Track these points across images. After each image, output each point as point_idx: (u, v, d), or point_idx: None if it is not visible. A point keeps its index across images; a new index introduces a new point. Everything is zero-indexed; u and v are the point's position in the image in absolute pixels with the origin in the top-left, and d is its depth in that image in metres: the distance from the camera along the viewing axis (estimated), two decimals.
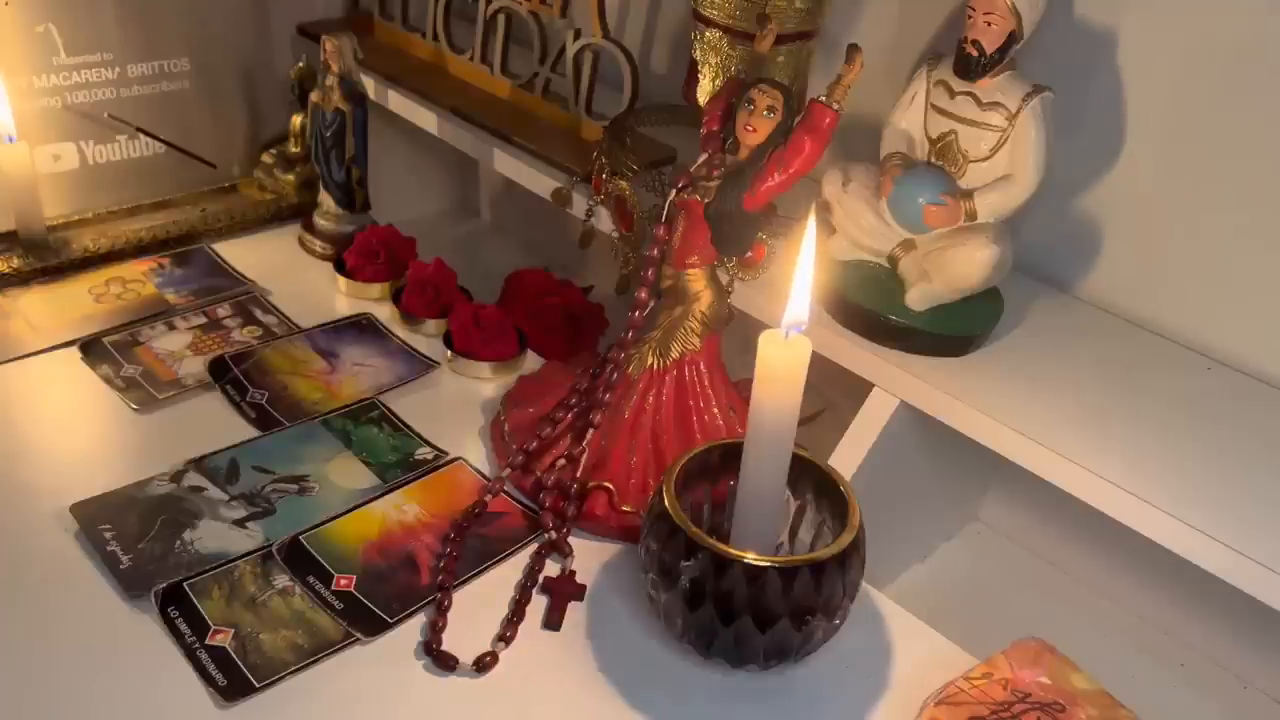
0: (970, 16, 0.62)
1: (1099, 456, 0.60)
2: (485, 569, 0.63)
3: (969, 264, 0.65)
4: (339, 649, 0.57)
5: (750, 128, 0.62)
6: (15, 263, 0.84)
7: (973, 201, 0.66)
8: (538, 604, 0.62)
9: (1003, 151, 0.65)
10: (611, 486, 0.66)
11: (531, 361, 0.83)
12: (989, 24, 0.62)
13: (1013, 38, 0.62)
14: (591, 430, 0.68)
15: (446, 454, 0.72)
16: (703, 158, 0.64)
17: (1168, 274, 0.71)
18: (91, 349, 0.78)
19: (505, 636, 0.59)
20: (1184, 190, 0.68)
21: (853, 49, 0.59)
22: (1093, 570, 0.77)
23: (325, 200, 0.91)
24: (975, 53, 0.63)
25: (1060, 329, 0.72)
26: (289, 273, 0.90)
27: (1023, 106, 0.64)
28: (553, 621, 0.61)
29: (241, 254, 0.91)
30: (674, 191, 0.64)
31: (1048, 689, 0.55)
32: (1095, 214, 0.73)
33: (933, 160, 0.68)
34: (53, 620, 0.58)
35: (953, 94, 0.66)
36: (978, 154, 0.66)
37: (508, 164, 0.87)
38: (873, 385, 0.69)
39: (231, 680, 0.55)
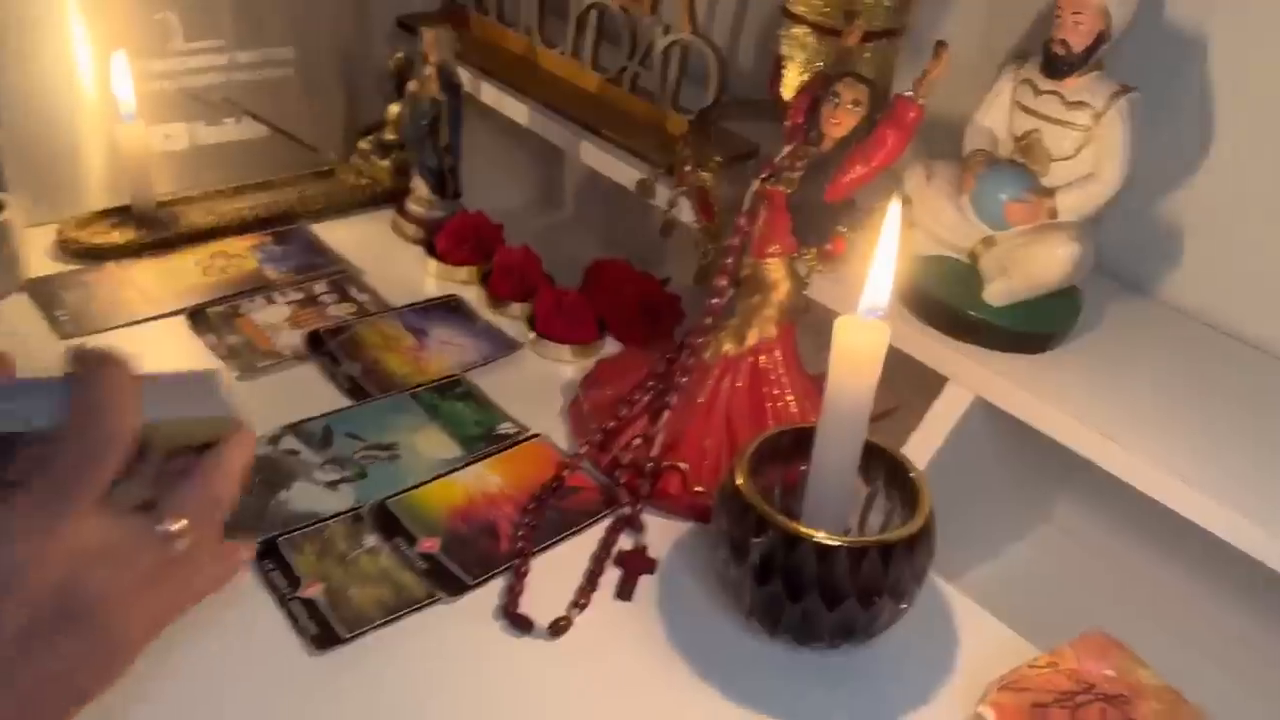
0: (1059, 15, 0.63)
1: (1177, 459, 0.60)
2: (561, 539, 0.66)
3: (1049, 261, 0.66)
4: (422, 607, 0.60)
5: (835, 121, 0.63)
6: (129, 235, 0.89)
7: (1055, 200, 0.66)
8: (610, 576, 0.64)
9: (1087, 150, 0.65)
10: (685, 466, 0.68)
11: (610, 346, 0.85)
12: (1077, 23, 0.62)
13: (1101, 38, 0.63)
14: (667, 412, 0.70)
15: (527, 430, 0.74)
16: (786, 149, 0.66)
17: (1250, 279, 0.70)
18: (197, 318, 0.82)
19: (579, 604, 0.61)
20: (1268, 195, 0.68)
21: (940, 45, 0.60)
22: (1166, 575, 0.76)
23: (418, 186, 0.95)
24: (1062, 52, 0.64)
25: (1139, 330, 0.71)
26: (382, 254, 0.93)
27: (1109, 106, 0.64)
28: (624, 593, 0.63)
29: (338, 235, 0.95)
30: (757, 181, 0.66)
31: (1113, 681, 0.55)
32: (1178, 217, 0.72)
33: (1016, 158, 0.69)
34: None
35: (1038, 92, 0.66)
36: (1061, 153, 0.66)
37: (594, 155, 0.89)
38: (946, 381, 0.69)
39: (322, 630, 0.58)
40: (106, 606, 0.38)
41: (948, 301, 0.69)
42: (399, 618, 0.59)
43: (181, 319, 0.82)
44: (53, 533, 0.37)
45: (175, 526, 0.40)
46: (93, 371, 0.39)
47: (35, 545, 0.37)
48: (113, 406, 0.39)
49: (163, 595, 0.40)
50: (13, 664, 0.36)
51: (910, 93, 0.62)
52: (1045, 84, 0.66)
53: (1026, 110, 0.67)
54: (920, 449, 0.69)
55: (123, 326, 0.80)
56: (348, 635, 0.58)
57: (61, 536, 0.37)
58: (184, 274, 0.87)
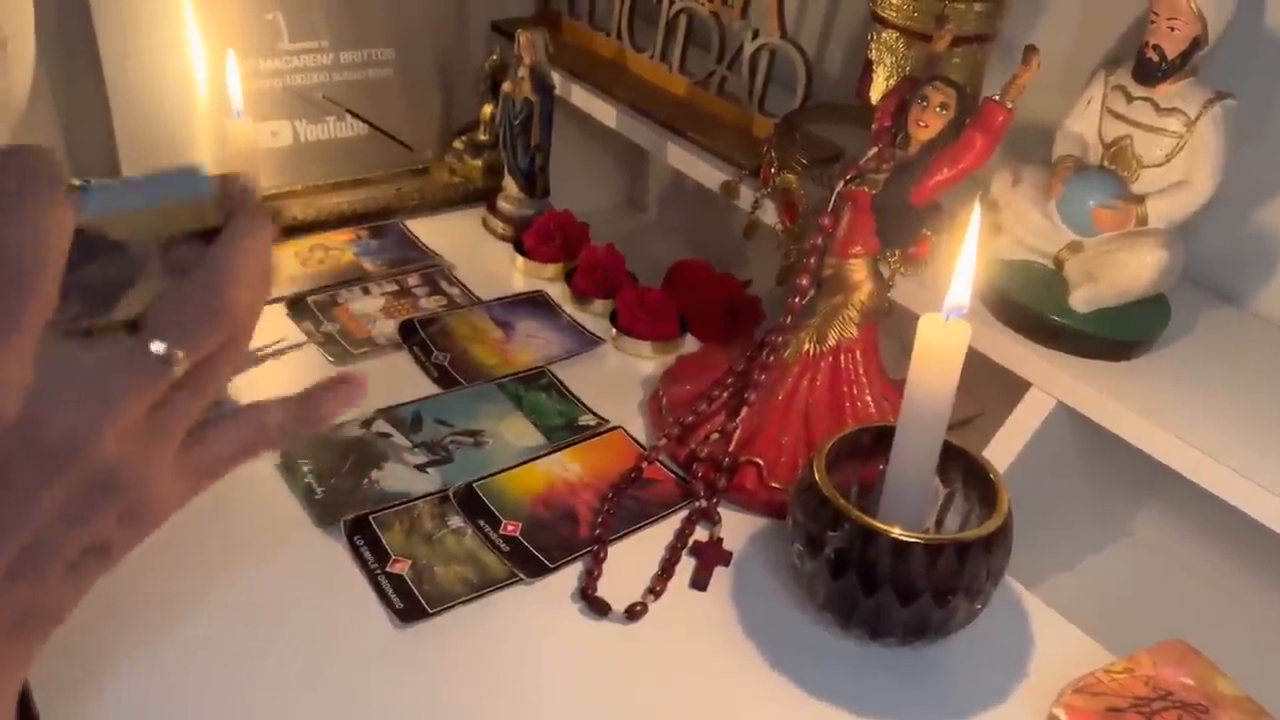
0: (1153, 21, 0.63)
1: (1268, 471, 0.59)
2: (639, 528, 0.67)
3: (1138, 267, 0.65)
4: (503, 586, 0.62)
5: (922, 123, 0.64)
6: None
7: (1144, 206, 0.66)
8: (686, 565, 0.65)
9: (1179, 158, 0.65)
10: (761, 462, 0.69)
11: (690, 344, 0.86)
12: (1172, 29, 0.62)
13: (1196, 43, 0.62)
14: (745, 408, 0.71)
15: (607, 422, 0.76)
16: (872, 151, 0.66)
17: None
18: (296, 306, 0.86)
19: (655, 590, 0.63)
20: None
21: (1029, 50, 0.61)
22: (1251, 591, 0.74)
23: (509, 185, 0.98)
24: (1156, 58, 0.63)
25: (1230, 341, 0.70)
26: (472, 250, 0.96)
27: (1203, 113, 0.63)
28: (699, 582, 0.64)
29: (430, 230, 0.98)
30: (842, 182, 0.67)
31: (1191, 690, 0.55)
32: (1273, 227, 0.71)
33: (1105, 164, 0.68)
34: (255, 541, 0.64)
35: (1130, 99, 0.66)
36: (1152, 159, 0.66)
37: (680, 157, 0.91)
38: (1028, 388, 0.69)
39: (408, 604, 0.60)
40: (93, 440, 0.31)
41: (1032, 306, 0.69)
42: (481, 596, 0.61)
43: (281, 307, 0.86)
44: None
45: (157, 347, 0.32)
46: None
47: None
48: (15, 205, 0.29)
49: (174, 430, 0.34)
50: (2, 515, 0.31)
51: (999, 97, 0.62)
52: (1138, 90, 0.65)
53: (1118, 116, 0.67)
54: (1000, 454, 0.69)
55: None
56: (432, 610, 0.60)
57: (3, 373, 0.30)
58: (284, 264, 0.91)
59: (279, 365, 0.80)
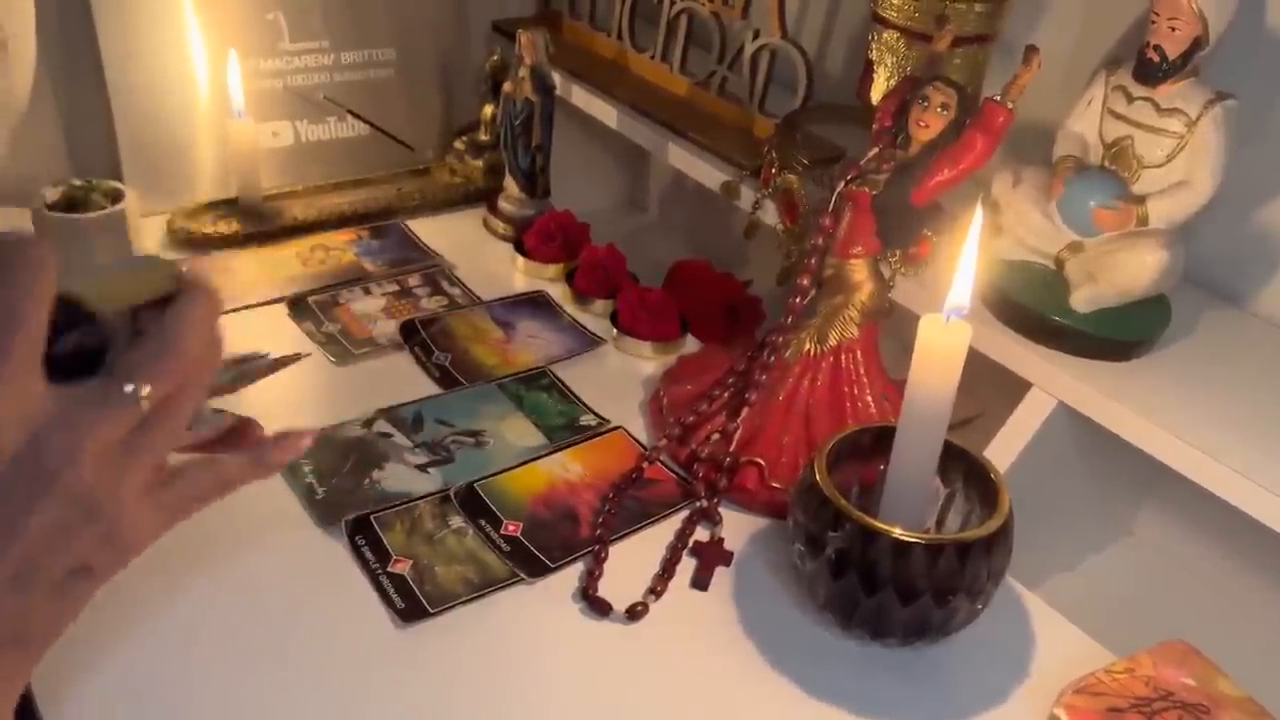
0: (1154, 21, 0.63)
1: (1269, 471, 0.59)
2: (639, 528, 0.67)
3: (1138, 268, 0.65)
4: (504, 586, 0.62)
5: (923, 123, 0.64)
6: (235, 226, 0.94)
7: (1145, 206, 0.66)
8: (687, 565, 0.65)
9: (1179, 158, 0.65)
10: (762, 462, 0.69)
11: (691, 344, 0.86)
12: (1173, 29, 0.62)
13: (1197, 44, 0.62)
14: (746, 409, 0.71)
15: (608, 422, 0.76)
16: (873, 151, 0.66)
17: None
18: (297, 306, 0.86)
19: (656, 590, 0.63)
20: None
21: (1030, 50, 0.61)
22: (1252, 591, 0.74)
23: (509, 185, 0.98)
24: (1156, 58, 0.63)
25: (1231, 341, 0.70)
26: (473, 250, 0.96)
27: (1204, 113, 0.63)
28: (700, 582, 0.64)
29: (431, 231, 0.98)
30: (843, 183, 0.67)
31: (1192, 690, 0.55)
32: (1274, 227, 0.71)
33: (1106, 164, 0.68)
34: (256, 541, 0.64)
35: (1131, 99, 0.66)
36: (1153, 160, 0.66)
37: (680, 157, 0.91)
38: (1029, 388, 0.69)
39: (409, 604, 0.60)
40: (76, 469, 0.36)
41: (1033, 307, 0.69)
42: (482, 595, 0.61)
43: (282, 307, 0.86)
44: None
45: (128, 387, 0.37)
46: None
47: None
48: (9, 271, 0.36)
49: (144, 460, 0.38)
50: None
51: (1000, 97, 0.62)
52: (1138, 90, 0.65)
53: (1118, 117, 0.67)
54: (1001, 454, 0.69)
55: (226, 312, 0.84)
56: (434, 610, 0.60)
57: None
58: (285, 264, 0.91)
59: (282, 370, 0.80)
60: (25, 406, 0.36)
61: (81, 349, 0.39)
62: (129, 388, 0.38)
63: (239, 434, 0.46)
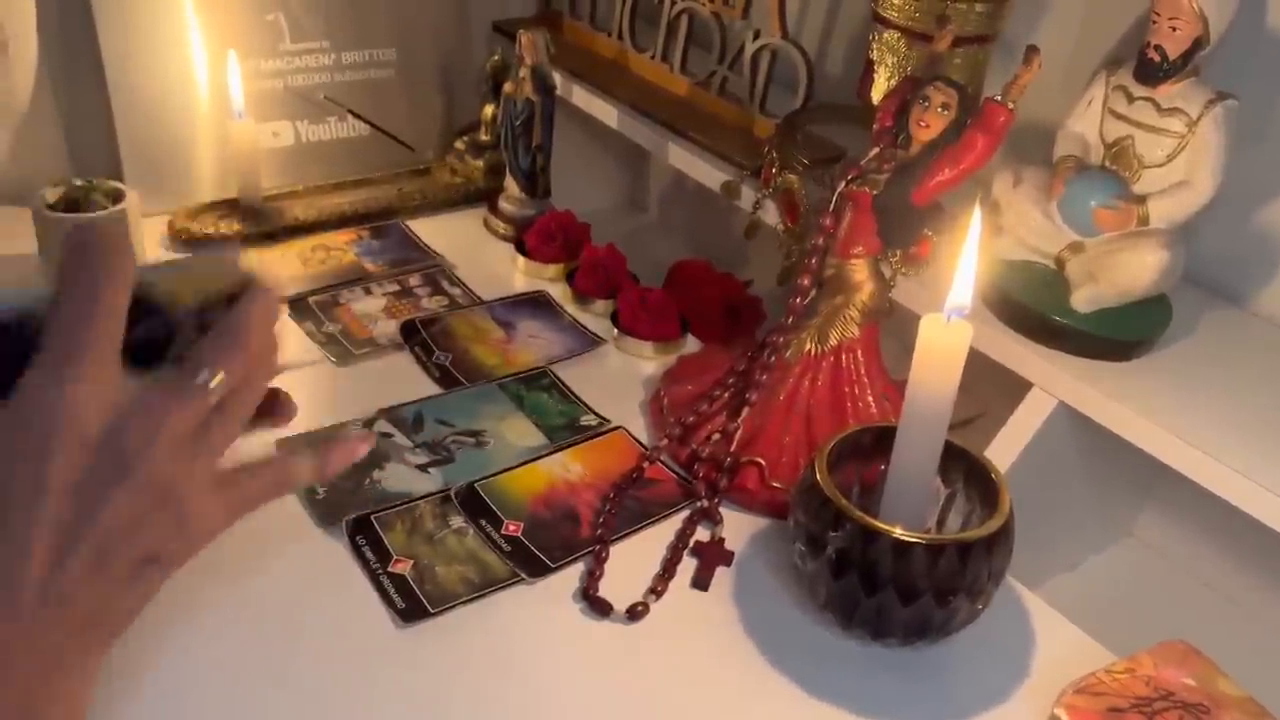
0: (1154, 21, 0.63)
1: (1270, 472, 0.59)
2: (640, 528, 0.67)
3: (1139, 268, 0.65)
4: (505, 586, 0.62)
5: (924, 123, 0.64)
6: (236, 227, 0.94)
7: (1146, 206, 0.66)
8: (687, 565, 0.65)
9: (1180, 158, 0.65)
10: (763, 462, 0.69)
11: (691, 344, 0.86)
12: (1173, 29, 0.62)
13: (1198, 44, 0.62)
14: (747, 409, 0.71)
15: (609, 422, 0.76)
16: (874, 151, 0.66)
17: None
18: (298, 306, 0.86)
19: (656, 590, 0.63)
20: None
21: (1031, 50, 0.61)
22: (1253, 592, 0.74)
23: (510, 185, 0.98)
24: (1157, 58, 0.63)
25: (1232, 342, 0.70)
26: (474, 250, 0.96)
27: (1204, 113, 0.63)
28: (701, 582, 0.64)
29: (432, 231, 0.98)
30: (843, 183, 0.67)
31: (1193, 690, 0.55)
32: (1274, 227, 0.71)
33: (1107, 164, 0.68)
34: (256, 540, 0.64)
35: (1131, 99, 0.66)
36: (1154, 159, 0.66)
37: (681, 157, 0.91)
38: (1030, 388, 0.69)
39: (409, 604, 0.60)
40: (153, 457, 0.38)
41: (1034, 307, 0.69)
42: (483, 595, 0.61)
43: (282, 307, 0.85)
44: (70, 388, 0.37)
45: (201, 377, 0.39)
46: (73, 241, 0.39)
47: (53, 405, 0.36)
48: (94, 258, 0.38)
49: (212, 451, 0.40)
50: (77, 521, 0.37)
51: (1000, 97, 0.62)
52: (1139, 90, 0.65)
53: (1119, 117, 0.67)
54: (1001, 454, 0.69)
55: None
56: (434, 610, 0.60)
57: (81, 392, 0.37)
58: (286, 265, 0.91)
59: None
60: (106, 394, 0.37)
61: (150, 339, 0.40)
62: (202, 377, 0.39)
63: (270, 406, 0.46)
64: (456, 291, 0.90)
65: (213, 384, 0.39)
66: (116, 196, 0.86)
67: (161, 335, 0.41)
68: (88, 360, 0.37)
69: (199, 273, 0.43)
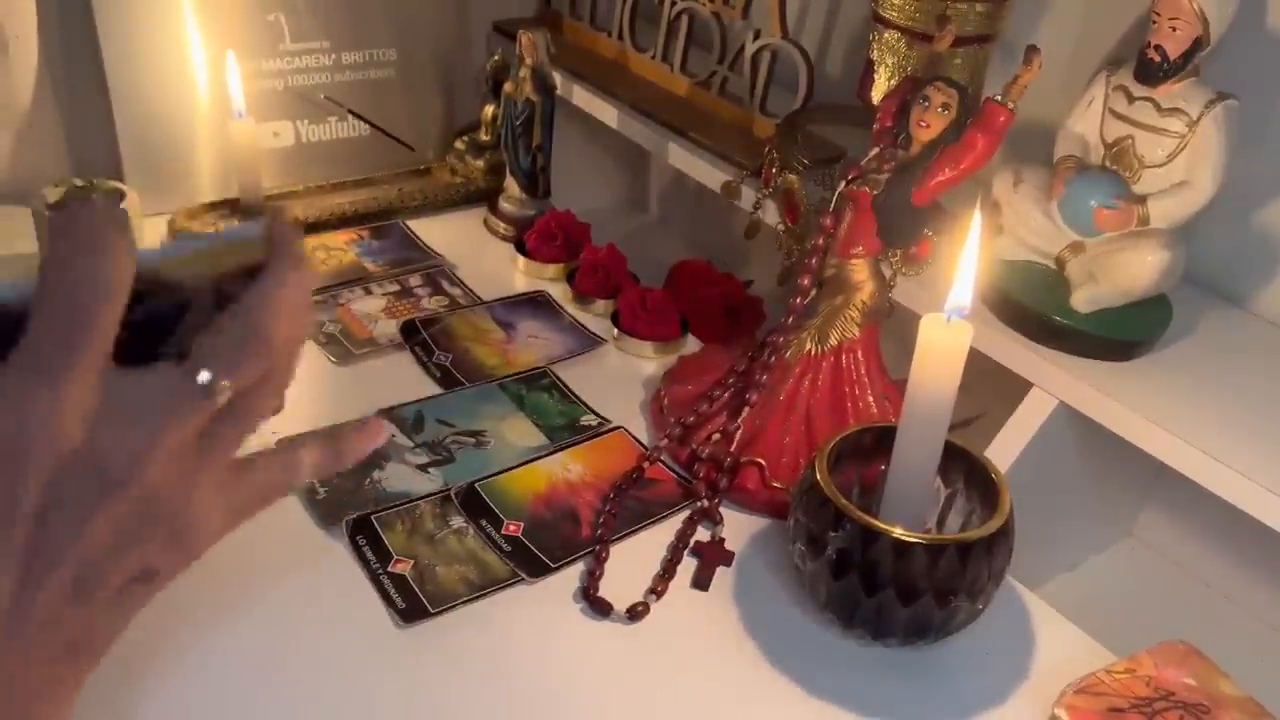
0: (1155, 21, 0.63)
1: (1270, 472, 0.59)
2: (640, 528, 0.67)
3: (1139, 268, 0.65)
4: (505, 586, 0.62)
5: (924, 123, 0.64)
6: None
7: (1146, 206, 0.66)
8: (688, 565, 0.65)
9: (1180, 158, 0.65)
10: (763, 462, 0.69)
11: (692, 344, 0.86)
12: (1174, 29, 0.62)
13: (1198, 44, 0.62)
14: (747, 409, 0.71)
15: (609, 422, 0.76)
16: (874, 151, 0.66)
17: None
18: None
19: (656, 590, 0.63)
20: None
21: (1031, 50, 0.61)
22: (1253, 592, 0.74)
23: (510, 185, 0.98)
24: (1157, 58, 0.63)
25: (1233, 342, 0.70)
26: (474, 250, 0.96)
27: (1205, 113, 0.63)
28: (701, 582, 0.64)
29: (432, 231, 0.98)
30: (844, 183, 0.67)
31: (1193, 690, 0.55)
32: (1275, 227, 0.71)
33: (1107, 164, 0.68)
34: (257, 541, 0.63)
35: (1131, 99, 0.66)
36: (1154, 159, 0.66)
37: (681, 157, 0.91)
38: (1030, 389, 0.69)
39: (410, 604, 0.60)
40: (144, 468, 0.33)
41: (1034, 307, 0.69)
42: (483, 596, 0.61)
43: None
44: (49, 392, 0.32)
45: (202, 376, 0.33)
46: (60, 222, 0.33)
47: (30, 410, 0.32)
48: (85, 248, 0.32)
49: (218, 456, 0.35)
50: (55, 539, 0.32)
51: (1000, 97, 0.62)
52: (1139, 90, 0.65)
53: (1119, 117, 0.67)
54: (1002, 454, 0.69)
55: None
56: (435, 610, 0.60)
57: (62, 397, 0.32)
58: None
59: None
60: (90, 399, 0.32)
61: (156, 316, 0.35)
62: (204, 378, 0.34)
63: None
64: (457, 291, 0.90)
65: (220, 386, 0.34)
66: (117, 196, 0.86)
67: (171, 312, 0.35)
68: (64, 372, 0.32)
69: (214, 247, 0.36)
